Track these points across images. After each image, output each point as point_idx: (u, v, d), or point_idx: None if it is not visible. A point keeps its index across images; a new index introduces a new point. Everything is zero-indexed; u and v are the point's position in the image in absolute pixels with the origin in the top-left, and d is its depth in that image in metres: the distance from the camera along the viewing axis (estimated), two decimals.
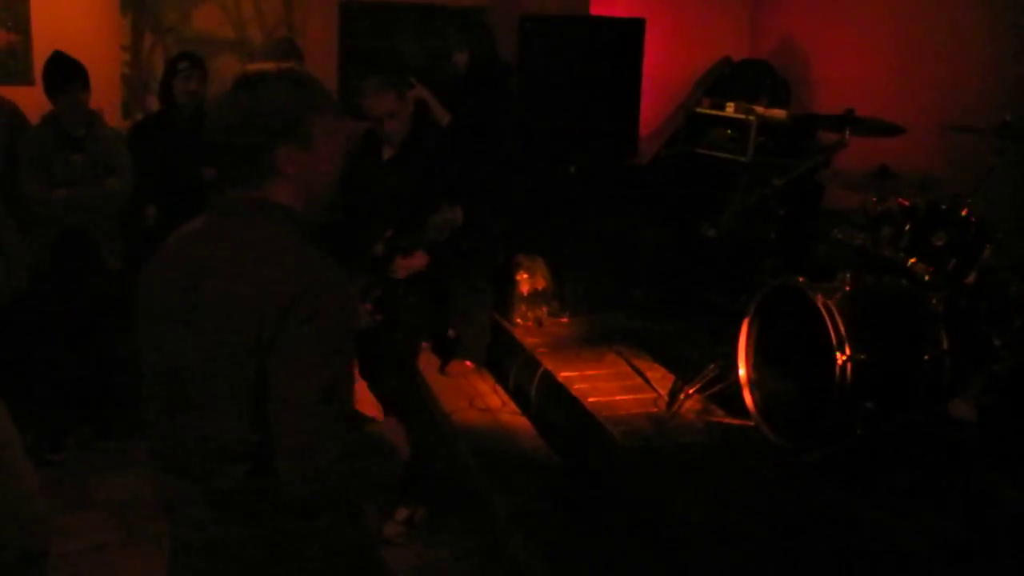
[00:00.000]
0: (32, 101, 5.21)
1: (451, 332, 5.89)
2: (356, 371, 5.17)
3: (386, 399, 4.46)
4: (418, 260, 4.53)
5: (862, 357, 4.01)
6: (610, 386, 5.06)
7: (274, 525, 2.11)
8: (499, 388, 5.70)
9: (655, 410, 4.77)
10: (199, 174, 5.18)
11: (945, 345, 4.16)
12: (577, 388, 4.99)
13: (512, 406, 5.51)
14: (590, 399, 4.86)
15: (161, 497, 2.26)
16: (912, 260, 4.33)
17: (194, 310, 2.07)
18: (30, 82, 5.51)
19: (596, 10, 6.91)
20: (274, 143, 2.09)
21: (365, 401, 5.25)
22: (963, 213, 4.30)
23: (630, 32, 6.37)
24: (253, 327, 1.98)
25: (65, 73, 4.93)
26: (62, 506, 4.43)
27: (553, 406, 5.15)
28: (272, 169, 2.11)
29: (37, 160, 4.94)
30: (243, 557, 2.12)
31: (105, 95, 5.61)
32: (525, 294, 5.95)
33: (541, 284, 5.98)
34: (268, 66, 2.16)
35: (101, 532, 4.25)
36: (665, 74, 7.03)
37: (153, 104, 5.71)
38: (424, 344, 5.52)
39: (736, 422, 4.59)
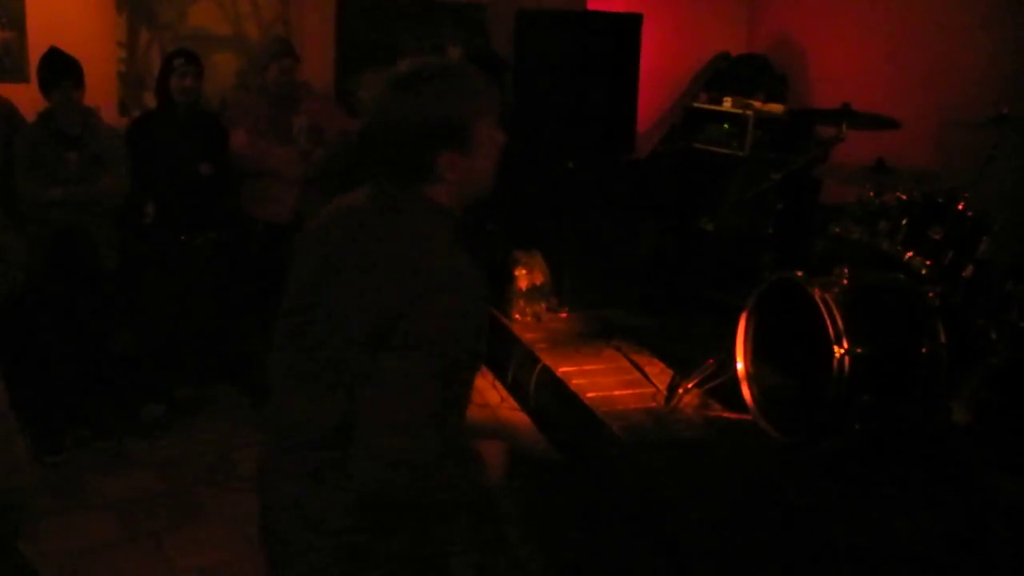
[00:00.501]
0: (28, 99, 5.20)
1: None
2: None
3: None
4: None
5: (860, 351, 4.01)
6: (609, 381, 5.07)
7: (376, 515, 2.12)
8: (498, 384, 5.70)
9: (654, 405, 4.78)
10: (197, 171, 5.18)
11: (942, 338, 4.17)
12: (576, 383, 5.00)
13: (511, 402, 5.51)
14: (589, 394, 4.87)
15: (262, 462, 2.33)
16: (909, 254, 4.34)
17: (354, 296, 2.06)
18: (25, 79, 5.50)
19: (593, 5, 6.91)
20: (437, 149, 2.05)
21: None
22: (960, 207, 4.30)
23: (627, 27, 6.36)
24: (389, 318, 1.97)
25: (60, 70, 4.91)
26: (61, 506, 4.43)
27: (552, 401, 5.16)
28: (432, 173, 2.08)
29: (32, 158, 4.93)
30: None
31: (101, 92, 5.60)
32: (523, 290, 5.95)
33: (539, 279, 5.98)
34: (431, 64, 2.09)
35: (100, 531, 4.24)
36: (662, 69, 7.03)
37: (150, 101, 5.70)
38: None
39: (734, 416, 4.59)
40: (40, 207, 4.91)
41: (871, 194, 4.58)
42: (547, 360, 5.32)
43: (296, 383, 2.18)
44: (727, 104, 6.41)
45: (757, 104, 6.31)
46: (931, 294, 4.24)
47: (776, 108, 6.34)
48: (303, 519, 2.18)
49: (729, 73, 7.11)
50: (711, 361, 4.79)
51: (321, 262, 2.16)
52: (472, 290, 2.03)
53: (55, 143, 4.93)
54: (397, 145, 2.05)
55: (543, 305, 6.03)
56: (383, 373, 1.96)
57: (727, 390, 4.68)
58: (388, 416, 1.95)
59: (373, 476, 1.99)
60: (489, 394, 5.56)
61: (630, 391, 4.94)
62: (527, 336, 5.73)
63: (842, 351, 3.98)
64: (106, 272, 5.09)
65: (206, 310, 5.47)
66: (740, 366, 4.51)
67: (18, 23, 5.60)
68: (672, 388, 4.81)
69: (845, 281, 4.24)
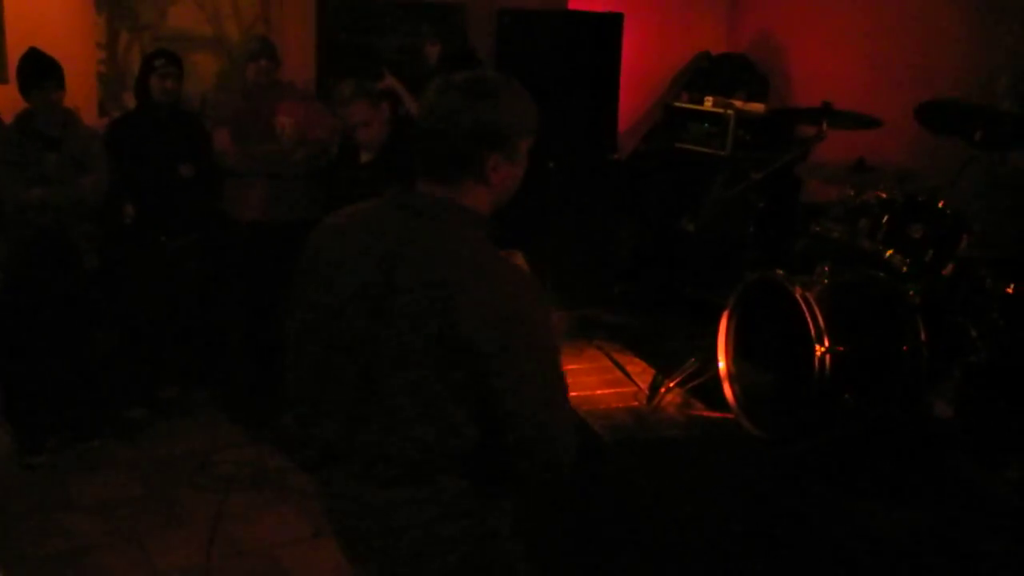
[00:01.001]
0: (6, 99, 5.17)
1: None
2: None
3: None
4: None
5: (841, 349, 4.03)
6: (591, 380, 5.07)
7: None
8: None
9: (636, 404, 4.78)
10: (177, 171, 5.17)
11: (923, 336, 4.19)
12: None
13: None
14: (570, 393, 4.85)
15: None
16: (890, 252, 4.35)
17: (387, 298, 2.10)
18: (4, 80, 5.46)
19: (574, 4, 6.91)
20: (487, 148, 2.16)
21: None
22: (939, 205, 4.33)
23: (608, 26, 6.37)
24: (437, 328, 2.03)
25: (40, 71, 4.88)
26: (43, 507, 4.41)
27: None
28: (478, 174, 2.17)
29: (11, 160, 4.90)
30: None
31: (81, 93, 5.57)
32: None
33: None
34: (491, 75, 2.27)
35: (83, 533, 4.23)
36: (643, 68, 7.04)
37: (129, 101, 5.67)
38: None
39: (716, 415, 4.60)
40: (20, 208, 4.88)
41: (851, 193, 4.60)
42: None
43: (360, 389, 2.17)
44: (708, 104, 6.43)
45: (738, 104, 6.33)
46: (911, 292, 4.26)
47: (757, 107, 6.36)
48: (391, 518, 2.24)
49: (710, 73, 7.13)
50: (693, 360, 4.81)
51: (372, 283, 2.13)
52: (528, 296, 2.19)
53: (35, 144, 4.90)
54: (453, 138, 2.14)
55: None
56: (516, 376, 2.10)
57: (709, 389, 4.69)
58: (549, 414, 2.18)
59: (559, 466, 2.21)
60: None
61: (612, 390, 4.94)
62: None
63: (823, 349, 4.00)
64: (87, 273, 5.07)
65: (188, 311, 5.46)
66: (722, 365, 4.53)
67: None
68: (654, 387, 4.81)
69: (826, 280, 4.26)
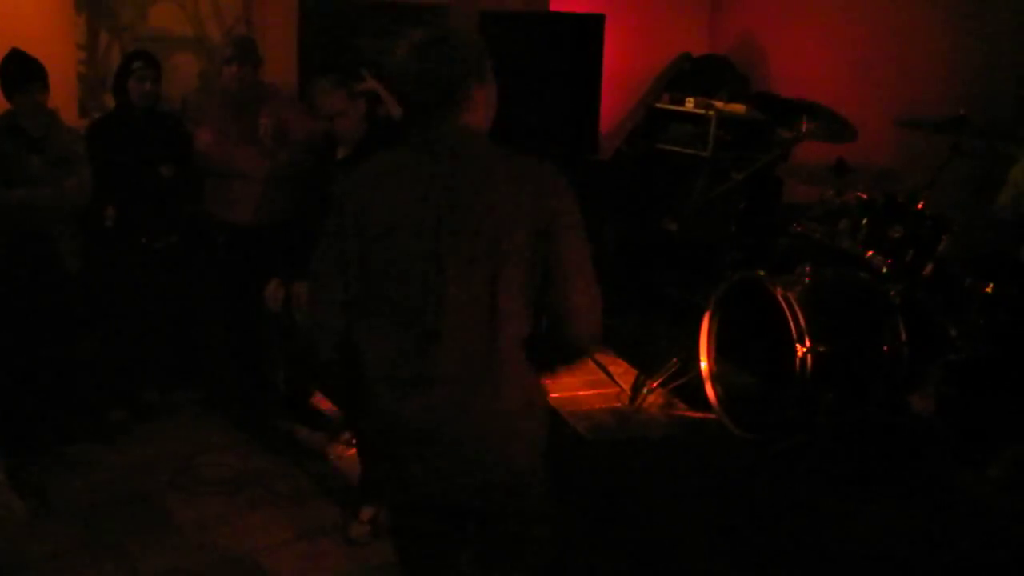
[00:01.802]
0: None
1: None
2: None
3: (332, 396, 4.47)
4: None
5: (822, 349, 4.05)
6: (573, 381, 5.08)
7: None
8: None
9: (618, 405, 4.80)
10: (158, 172, 5.14)
11: (903, 336, 4.22)
12: None
13: None
14: (553, 394, 4.87)
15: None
16: (870, 252, 4.38)
17: (460, 221, 2.36)
18: None
19: (556, 6, 6.92)
20: (473, 80, 2.46)
21: (321, 400, 5.26)
22: (919, 206, 4.35)
23: (590, 28, 6.37)
24: (528, 228, 2.37)
25: (24, 73, 4.86)
26: (24, 511, 4.39)
27: None
28: (471, 102, 2.47)
29: None
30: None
31: (61, 94, 5.54)
32: None
33: None
34: (442, 28, 2.60)
35: (64, 537, 4.20)
36: (625, 70, 7.05)
37: (110, 102, 5.64)
38: None
39: (699, 415, 4.62)
40: (2, 210, 4.85)
41: (832, 193, 4.62)
42: None
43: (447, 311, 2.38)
44: (689, 105, 6.45)
45: (719, 104, 6.35)
46: (892, 292, 4.28)
47: (738, 108, 6.38)
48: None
49: (691, 74, 7.15)
50: (675, 360, 4.82)
51: (420, 204, 2.38)
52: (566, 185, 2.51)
53: (18, 146, 4.88)
54: (445, 81, 2.41)
55: None
56: (566, 260, 2.43)
57: (691, 389, 4.71)
58: (588, 301, 2.48)
59: (579, 348, 2.59)
60: None
61: (595, 391, 4.95)
62: None
63: (804, 349, 4.02)
64: (68, 275, 5.04)
65: (169, 313, 5.44)
66: (704, 365, 4.54)
67: None
68: (636, 388, 4.83)
69: (807, 280, 4.29)
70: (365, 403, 2.55)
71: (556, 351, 2.56)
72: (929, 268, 4.30)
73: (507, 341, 2.42)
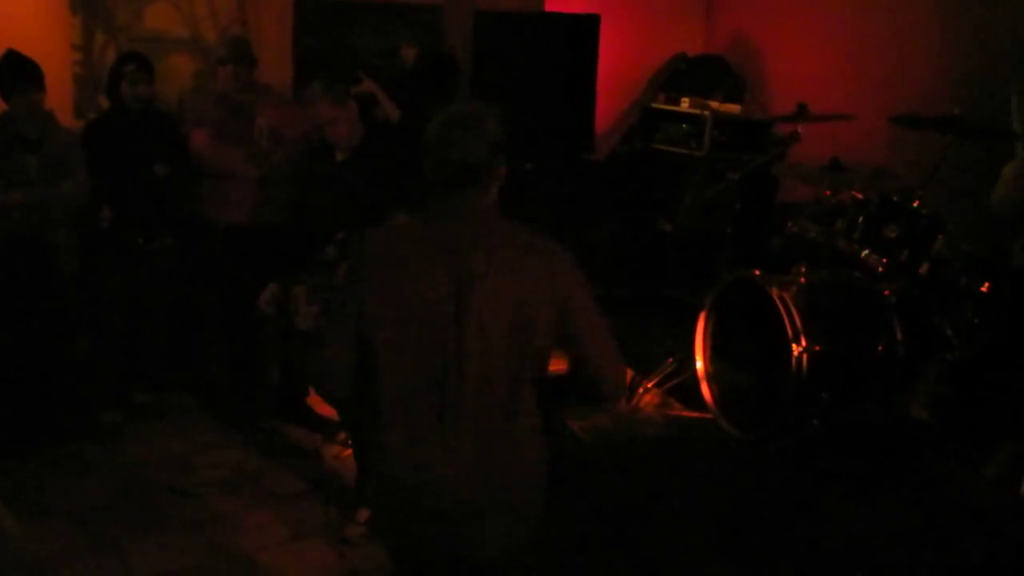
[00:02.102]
0: None
1: None
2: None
3: (331, 399, 4.46)
4: None
5: (817, 348, 4.05)
6: None
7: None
8: None
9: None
10: (153, 172, 5.14)
11: (899, 335, 4.22)
12: None
13: None
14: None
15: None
16: (865, 252, 4.38)
17: (480, 300, 2.50)
18: None
19: (551, 6, 6.92)
20: (492, 163, 2.61)
21: (317, 401, 5.25)
22: (914, 205, 4.36)
23: (585, 28, 6.38)
24: (546, 304, 2.55)
25: (20, 73, 4.85)
26: (19, 513, 4.38)
27: None
28: (490, 182, 2.62)
29: None
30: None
31: (56, 95, 5.52)
32: None
33: None
34: (474, 103, 2.71)
35: (60, 539, 4.20)
36: (620, 70, 7.06)
37: (105, 103, 5.64)
38: None
39: (694, 415, 4.62)
40: None
41: (827, 193, 4.63)
42: None
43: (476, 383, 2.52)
44: (685, 105, 6.45)
45: (715, 104, 6.35)
46: (887, 292, 4.29)
47: (733, 108, 6.39)
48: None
49: (687, 74, 7.16)
50: (671, 360, 4.82)
51: (446, 280, 2.51)
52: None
53: (14, 147, 4.87)
54: (479, 157, 2.56)
55: None
56: (588, 327, 2.62)
57: (687, 389, 4.70)
58: (609, 366, 2.65)
59: (615, 396, 2.81)
60: None
61: None
62: None
63: (800, 349, 4.02)
64: (64, 276, 5.04)
65: (165, 314, 5.43)
66: (699, 365, 4.55)
67: None
68: (632, 387, 4.82)
69: (802, 280, 4.29)
70: (380, 472, 2.67)
71: (589, 401, 2.91)
72: (925, 267, 4.30)
73: (525, 412, 2.60)
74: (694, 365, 4.56)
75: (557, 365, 2.67)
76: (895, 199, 4.41)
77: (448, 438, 2.53)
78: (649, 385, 4.79)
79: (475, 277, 2.50)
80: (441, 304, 2.49)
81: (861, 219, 4.44)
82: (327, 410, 5.02)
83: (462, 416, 2.53)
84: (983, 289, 4.12)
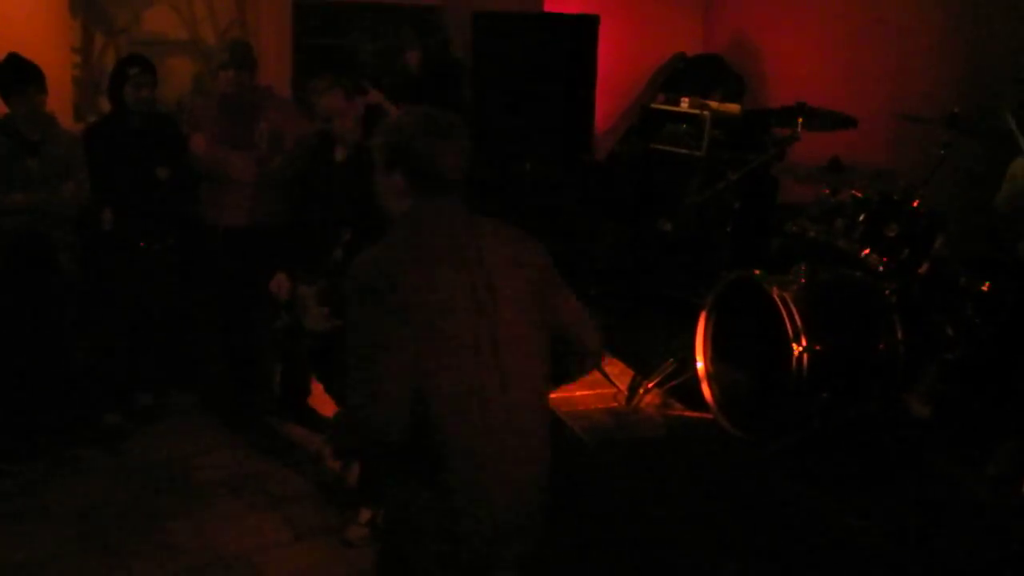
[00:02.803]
0: None
1: None
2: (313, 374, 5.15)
3: (344, 400, 4.46)
4: None
5: (818, 348, 4.05)
6: None
7: None
8: None
9: (615, 405, 4.79)
10: (154, 175, 5.14)
11: (899, 335, 4.22)
12: None
13: None
14: (551, 395, 4.86)
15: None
16: (866, 251, 4.38)
17: (497, 290, 2.55)
18: None
19: (550, 7, 6.93)
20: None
21: (318, 402, 5.25)
22: (914, 204, 4.36)
23: (584, 29, 6.38)
24: (535, 281, 2.64)
25: (21, 76, 4.86)
26: (18, 514, 4.39)
27: None
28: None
29: None
30: None
31: (56, 98, 5.53)
32: None
33: None
34: (445, 114, 2.66)
35: (60, 540, 4.20)
36: (619, 70, 7.06)
37: (105, 106, 5.64)
38: None
39: (695, 415, 4.62)
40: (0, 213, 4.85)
41: (827, 192, 4.63)
42: None
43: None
44: (684, 104, 6.45)
45: (714, 104, 6.35)
46: (887, 291, 4.29)
47: (733, 108, 6.39)
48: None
49: (686, 74, 7.16)
50: (671, 361, 4.82)
51: (466, 283, 2.53)
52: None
53: (15, 150, 4.88)
54: (465, 169, 2.62)
55: None
56: (567, 305, 2.73)
57: (688, 389, 4.70)
58: (590, 326, 2.77)
59: (596, 356, 2.90)
60: None
61: (591, 391, 4.95)
62: None
63: (800, 348, 4.02)
64: (65, 279, 5.04)
65: (165, 317, 5.43)
66: (700, 365, 4.54)
67: None
68: (633, 388, 4.83)
69: (803, 279, 4.28)
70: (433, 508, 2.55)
71: (577, 366, 2.87)
72: (925, 266, 4.30)
73: (544, 394, 2.73)
74: (695, 365, 4.56)
75: None
76: (895, 198, 4.41)
77: (501, 462, 2.53)
78: (650, 385, 4.79)
79: (494, 288, 2.54)
80: (469, 308, 2.49)
81: (861, 218, 4.44)
82: (328, 411, 5.02)
83: (511, 434, 2.56)
84: (983, 288, 4.11)
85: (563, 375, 2.87)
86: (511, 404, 2.55)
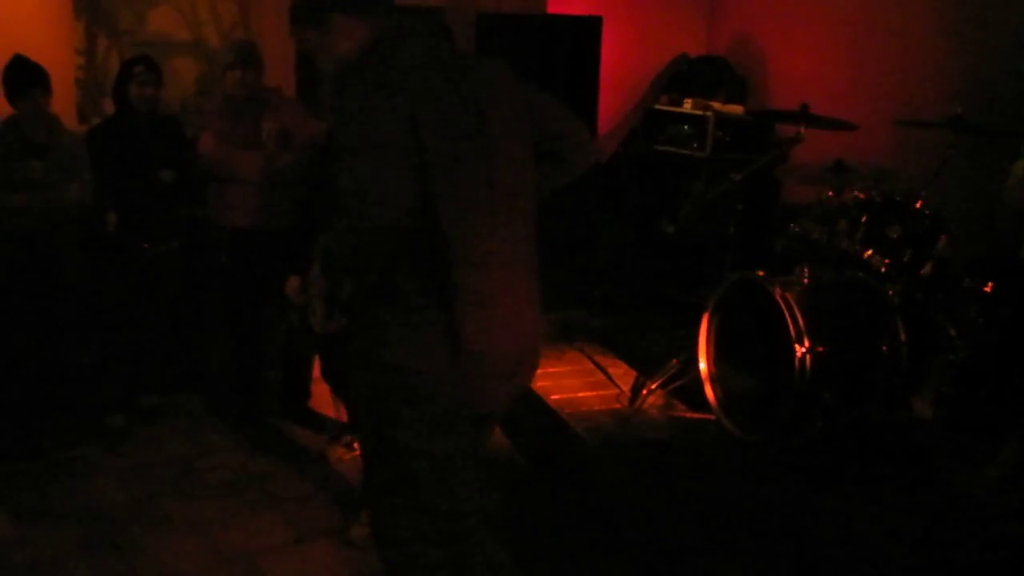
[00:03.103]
0: None
1: None
2: (319, 374, 5.17)
3: (351, 401, 4.47)
4: None
5: (821, 349, 4.05)
6: (572, 383, 5.08)
7: None
8: None
9: (618, 406, 4.80)
10: (158, 177, 5.15)
11: (902, 336, 4.22)
12: (540, 385, 5.00)
13: None
14: (553, 396, 4.88)
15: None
16: (869, 252, 4.38)
17: (492, 121, 2.68)
18: None
19: (553, 8, 6.93)
20: None
21: (319, 403, 5.26)
22: (917, 205, 4.36)
23: (587, 30, 6.38)
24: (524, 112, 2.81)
25: (27, 78, 4.87)
26: (21, 515, 4.39)
27: (516, 404, 5.15)
28: None
29: None
30: None
31: (60, 99, 5.54)
32: None
33: None
34: None
35: (64, 542, 4.20)
36: (623, 72, 7.06)
37: (108, 107, 5.65)
38: None
39: (698, 416, 4.62)
40: (3, 214, 4.86)
41: (830, 194, 4.63)
42: None
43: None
44: (687, 106, 6.45)
45: (717, 105, 6.35)
46: (890, 292, 4.29)
47: (736, 109, 6.39)
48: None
49: (689, 75, 7.15)
50: (674, 362, 4.82)
51: (470, 106, 2.63)
52: None
53: (20, 151, 4.89)
54: None
55: None
56: (556, 112, 2.95)
57: (691, 390, 4.71)
58: (579, 125, 3.01)
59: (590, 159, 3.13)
60: None
61: (594, 393, 4.96)
62: None
63: (803, 350, 4.02)
64: (69, 280, 5.05)
65: (170, 317, 5.44)
66: (703, 366, 4.55)
67: None
68: (636, 389, 4.83)
69: (805, 280, 4.29)
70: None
71: (570, 169, 3.18)
72: (928, 267, 4.31)
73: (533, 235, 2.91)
74: (697, 366, 4.56)
75: None
76: (898, 199, 4.42)
77: (503, 293, 2.73)
78: (653, 386, 4.79)
79: (479, 105, 2.63)
80: (471, 141, 2.59)
81: (864, 220, 4.45)
82: (329, 411, 5.03)
83: (511, 264, 2.79)
84: (986, 289, 4.12)
85: (559, 163, 3.09)
86: (508, 236, 2.77)
